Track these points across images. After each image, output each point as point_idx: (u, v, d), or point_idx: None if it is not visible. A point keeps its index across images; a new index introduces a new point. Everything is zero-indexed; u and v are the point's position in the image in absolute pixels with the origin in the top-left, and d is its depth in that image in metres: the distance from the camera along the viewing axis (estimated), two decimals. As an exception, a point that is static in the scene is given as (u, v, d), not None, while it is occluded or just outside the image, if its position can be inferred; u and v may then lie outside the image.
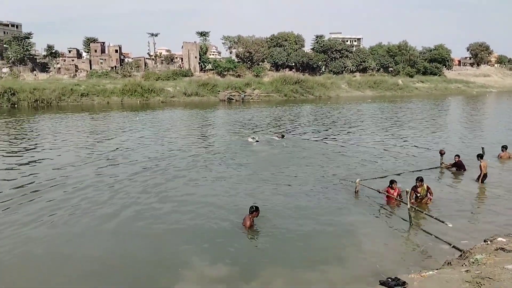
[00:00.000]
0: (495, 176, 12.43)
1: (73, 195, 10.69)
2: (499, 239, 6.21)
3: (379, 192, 10.14)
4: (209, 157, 15.82)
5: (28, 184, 11.87)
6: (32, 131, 24.47)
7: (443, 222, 7.68)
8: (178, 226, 8.61)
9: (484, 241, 6.46)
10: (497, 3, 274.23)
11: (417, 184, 9.91)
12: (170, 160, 15.17)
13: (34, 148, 18.18)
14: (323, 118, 31.61)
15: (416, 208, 9.01)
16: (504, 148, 15.02)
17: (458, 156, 13.42)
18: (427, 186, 9.97)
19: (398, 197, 9.67)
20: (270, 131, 23.52)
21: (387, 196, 9.97)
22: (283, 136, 19.81)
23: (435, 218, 8.06)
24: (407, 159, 15.37)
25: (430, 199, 9.86)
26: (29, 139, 21.04)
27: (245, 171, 13.48)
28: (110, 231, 8.36)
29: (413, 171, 13.15)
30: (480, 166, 11.88)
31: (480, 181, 11.77)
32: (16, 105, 45.10)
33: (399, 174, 12.45)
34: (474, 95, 73.17)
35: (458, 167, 13.23)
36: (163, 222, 8.85)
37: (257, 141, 18.63)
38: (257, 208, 8.26)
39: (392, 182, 10.08)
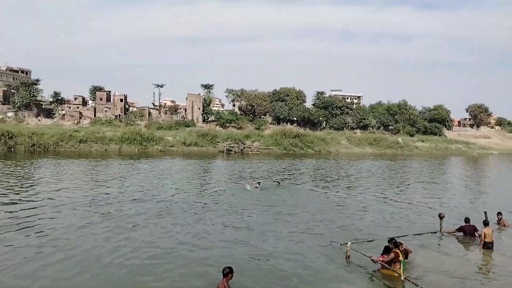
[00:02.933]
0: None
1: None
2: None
3: (373, 261, 9.46)
4: (194, 204, 16.23)
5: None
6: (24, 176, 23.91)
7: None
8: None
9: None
10: (494, 64, 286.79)
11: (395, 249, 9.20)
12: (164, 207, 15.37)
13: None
14: (326, 172, 32.16)
15: (412, 281, 8.32)
16: (499, 214, 14.15)
17: (468, 220, 12.56)
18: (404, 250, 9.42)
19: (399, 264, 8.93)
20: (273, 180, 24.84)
21: (382, 265, 9.25)
22: (259, 184, 21.36)
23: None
24: (407, 219, 14.93)
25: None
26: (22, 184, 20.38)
27: (231, 220, 13.58)
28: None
29: (413, 235, 12.50)
30: (484, 232, 11.15)
31: (481, 247, 11.12)
32: (12, 149, 45.04)
33: (400, 237, 11.53)
34: (475, 156, 73.05)
35: (465, 232, 12.31)
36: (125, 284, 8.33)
37: (258, 183, 20.88)
38: (231, 269, 7.61)
39: (395, 244, 9.27)
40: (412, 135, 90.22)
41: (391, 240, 9.59)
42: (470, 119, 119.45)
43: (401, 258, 8.86)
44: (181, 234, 11.79)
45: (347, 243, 10.27)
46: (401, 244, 9.40)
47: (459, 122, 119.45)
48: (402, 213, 15.89)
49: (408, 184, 25.93)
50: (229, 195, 18.65)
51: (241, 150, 56.84)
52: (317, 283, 8.62)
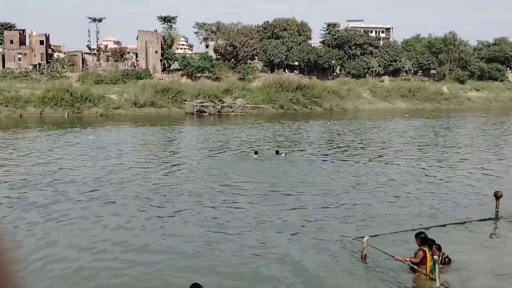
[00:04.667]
0: None
1: None
2: None
3: (397, 260, 9.65)
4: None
5: None
6: None
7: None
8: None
9: None
10: None
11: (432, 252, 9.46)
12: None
13: None
14: (341, 138, 33.58)
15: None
16: None
17: None
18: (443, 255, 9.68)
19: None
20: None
21: (412, 268, 9.43)
22: (256, 153, 23.47)
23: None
24: (452, 202, 15.19)
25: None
26: None
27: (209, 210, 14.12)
28: None
29: (456, 224, 12.67)
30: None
31: None
32: None
33: (427, 229, 11.73)
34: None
35: None
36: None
37: (255, 152, 23.37)
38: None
39: (423, 240, 9.51)
40: (462, 82, 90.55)
41: (419, 235, 9.74)
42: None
43: (433, 257, 8.96)
44: (143, 232, 12.25)
45: (363, 238, 10.41)
46: (437, 250, 9.48)
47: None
48: (446, 195, 16.10)
49: (457, 153, 26.34)
50: (205, 172, 20.01)
51: (219, 111, 56.83)
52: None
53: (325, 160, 23.38)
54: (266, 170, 20.48)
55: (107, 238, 11.70)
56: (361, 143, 30.64)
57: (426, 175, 19.65)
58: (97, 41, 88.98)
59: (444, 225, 12.56)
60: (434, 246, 9.44)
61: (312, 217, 13.37)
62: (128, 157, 24.27)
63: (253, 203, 14.79)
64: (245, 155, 24.39)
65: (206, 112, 56.13)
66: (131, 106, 56.42)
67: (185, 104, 57.88)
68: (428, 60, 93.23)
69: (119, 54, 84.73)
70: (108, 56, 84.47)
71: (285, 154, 24.30)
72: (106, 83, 67.00)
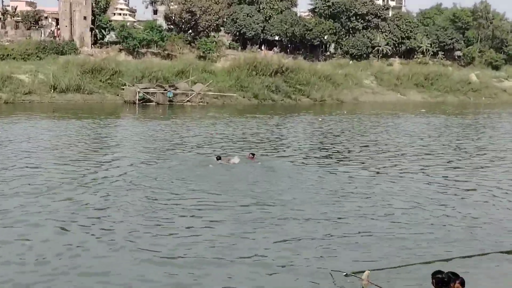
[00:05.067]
0: None
1: None
2: None
3: None
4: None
5: None
6: None
7: None
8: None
9: None
10: None
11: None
12: None
13: None
14: (335, 139, 34.11)
15: None
16: None
17: None
18: None
19: None
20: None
21: None
22: (219, 159, 23.79)
23: None
24: (475, 228, 15.19)
25: None
26: None
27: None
28: None
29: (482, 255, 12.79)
30: None
31: None
32: None
33: (447, 261, 12.04)
34: None
35: None
36: None
37: (218, 158, 23.42)
38: None
39: (439, 283, 9.32)
40: (496, 68, 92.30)
41: (435, 274, 9.45)
42: None
43: None
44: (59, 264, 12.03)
45: (362, 272, 10.50)
46: (460, 286, 9.42)
47: None
48: (473, 218, 16.22)
49: (489, 162, 26.52)
50: (149, 183, 19.74)
51: (170, 100, 56.74)
52: None
53: (314, 169, 23.34)
54: (235, 180, 20.38)
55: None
56: (362, 146, 30.75)
57: (447, 190, 19.76)
58: (1, 1, 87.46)
59: (470, 256, 12.60)
60: (456, 280, 9.43)
61: (294, 244, 13.34)
62: (41, 161, 23.69)
63: (213, 227, 14.61)
64: (205, 161, 24.17)
65: (152, 101, 55.74)
66: (48, 91, 55.54)
67: (124, 89, 57.26)
68: (451, 38, 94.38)
69: (33, 19, 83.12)
70: (18, 22, 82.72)
71: (253, 156, 24.46)
72: (14, 58, 65.30)
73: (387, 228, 14.78)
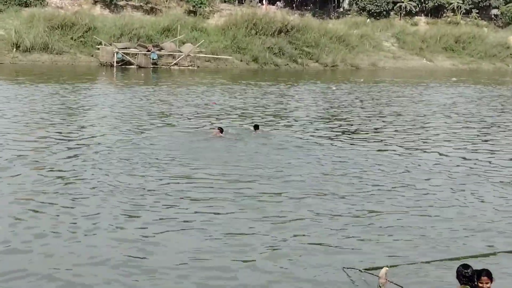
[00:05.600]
0: None
1: None
2: None
3: None
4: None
5: None
6: None
7: None
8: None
9: None
10: None
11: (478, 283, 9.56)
12: None
13: None
14: (349, 111, 34.15)
15: None
16: None
17: None
18: None
19: None
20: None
21: None
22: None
23: None
24: None
25: None
26: None
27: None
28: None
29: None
30: None
31: None
32: None
33: (488, 256, 12.16)
34: None
35: None
36: None
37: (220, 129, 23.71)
38: None
39: (468, 278, 9.56)
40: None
41: (463, 270, 9.64)
42: None
43: None
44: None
45: (379, 269, 10.55)
46: (487, 279, 9.58)
47: None
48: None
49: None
50: (134, 156, 19.75)
51: (154, 63, 56.47)
52: None
53: (327, 144, 23.34)
54: (239, 155, 20.38)
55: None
56: (382, 120, 30.47)
57: (483, 172, 19.54)
58: None
59: (493, 253, 12.62)
60: (481, 274, 9.44)
61: (302, 232, 13.25)
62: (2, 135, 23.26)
63: (211, 212, 14.22)
64: (203, 133, 24.23)
65: (133, 64, 55.30)
66: (9, 50, 55.12)
67: (99, 49, 56.81)
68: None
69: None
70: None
71: (257, 128, 24.56)
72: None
73: (409, 218, 14.58)
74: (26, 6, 66.30)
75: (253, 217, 14.23)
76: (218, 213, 14.43)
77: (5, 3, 66.47)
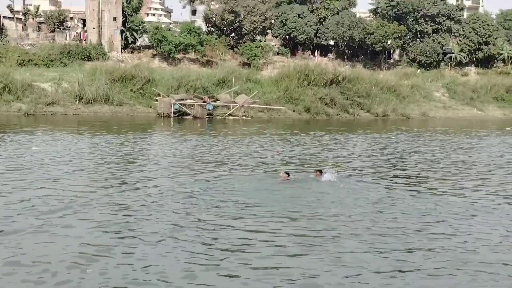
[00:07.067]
0: None
1: None
2: None
3: None
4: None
5: None
6: None
7: None
8: None
9: None
10: None
11: None
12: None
13: None
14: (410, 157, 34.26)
15: None
16: None
17: None
18: None
19: None
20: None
21: None
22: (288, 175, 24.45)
23: None
24: None
25: None
26: None
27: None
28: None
29: None
30: None
31: None
32: None
33: None
34: None
35: None
36: None
37: (287, 174, 24.18)
38: None
39: None
40: None
41: None
42: None
43: None
44: None
45: None
46: None
47: None
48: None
49: None
50: (205, 200, 19.89)
51: (210, 114, 56.66)
52: None
53: (398, 189, 23.31)
54: (311, 199, 20.56)
55: None
56: (442, 168, 30.26)
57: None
58: (24, 2, 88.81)
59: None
60: None
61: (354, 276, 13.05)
62: (69, 181, 23.46)
63: (290, 255, 14.28)
64: (270, 177, 24.93)
65: (189, 115, 55.89)
66: (73, 102, 55.91)
67: (157, 101, 57.43)
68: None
69: (57, 20, 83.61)
70: (40, 23, 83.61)
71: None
72: (35, 64, 65.70)
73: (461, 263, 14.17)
74: (88, 60, 70.48)
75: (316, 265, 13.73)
76: (287, 255, 14.30)
77: (69, 57, 69.36)
